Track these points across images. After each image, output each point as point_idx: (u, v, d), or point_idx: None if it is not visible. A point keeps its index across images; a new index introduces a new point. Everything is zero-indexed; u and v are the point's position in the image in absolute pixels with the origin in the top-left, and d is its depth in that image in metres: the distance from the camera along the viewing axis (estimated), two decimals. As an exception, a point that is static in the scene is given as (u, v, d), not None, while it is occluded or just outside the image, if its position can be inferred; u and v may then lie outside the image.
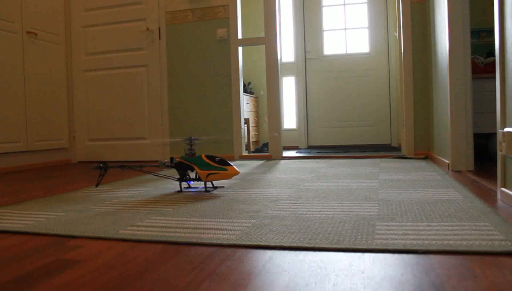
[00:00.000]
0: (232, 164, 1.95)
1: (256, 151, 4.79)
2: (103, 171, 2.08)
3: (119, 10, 4.04)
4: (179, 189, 2.10)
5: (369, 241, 1.07)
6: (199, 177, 1.98)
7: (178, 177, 2.25)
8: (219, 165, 1.94)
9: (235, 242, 1.11)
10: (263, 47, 5.45)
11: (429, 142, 3.57)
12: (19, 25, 3.55)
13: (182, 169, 2.04)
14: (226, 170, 1.94)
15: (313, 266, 0.92)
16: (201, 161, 1.97)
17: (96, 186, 2.12)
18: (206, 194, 1.94)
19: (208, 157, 1.97)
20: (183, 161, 2.00)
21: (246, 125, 4.83)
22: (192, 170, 1.99)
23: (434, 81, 3.19)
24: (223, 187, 2.15)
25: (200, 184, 2.23)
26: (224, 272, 0.90)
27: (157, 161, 3.84)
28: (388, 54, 5.21)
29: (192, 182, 2.13)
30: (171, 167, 2.05)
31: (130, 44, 4.01)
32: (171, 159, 2.04)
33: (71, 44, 4.16)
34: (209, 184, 2.27)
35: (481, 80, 3.05)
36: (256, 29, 5.62)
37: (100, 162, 2.10)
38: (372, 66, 5.26)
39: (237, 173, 1.96)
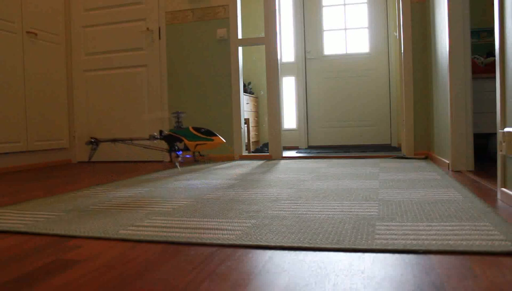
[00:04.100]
0: (218, 135, 2.09)
1: (256, 151, 4.79)
2: (95, 145, 2.17)
3: (119, 10, 4.04)
4: (169, 160, 2.23)
5: (369, 241, 1.07)
6: (187, 147, 2.07)
7: (168, 148, 2.37)
8: (206, 135, 2.06)
9: (235, 242, 1.11)
10: (263, 47, 5.45)
11: (429, 142, 3.57)
12: (19, 25, 3.55)
13: (171, 141, 2.12)
14: (212, 140, 2.08)
15: (313, 266, 0.92)
16: (189, 133, 2.07)
17: (89, 160, 2.23)
18: (206, 194, 1.94)
19: (195, 128, 2.08)
20: (172, 133, 2.10)
21: (246, 125, 4.83)
22: (181, 141, 2.10)
23: (434, 81, 3.19)
24: (209, 155, 2.28)
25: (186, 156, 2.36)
26: (224, 272, 0.90)
27: (154, 160, 3.83)
28: (388, 54, 5.21)
29: (181, 152, 2.23)
30: (161, 139, 2.15)
31: (130, 44, 4.01)
32: (160, 131, 2.14)
33: (71, 44, 4.16)
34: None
35: (481, 80, 3.05)
36: (256, 29, 5.62)
37: (92, 137, 2.19)
38: (372, 66, 5.26)
39: (223, 142, 2.10)
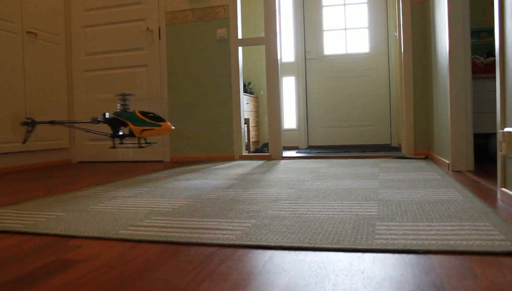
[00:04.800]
0: (166, 121, 1.94)
1: (256, 151, 4.79)
2: (31, 126, 2.05)
3: (119, 10, 4.04)
4: (112, 146, 2.05)
5: (369, 241, 1.07)
6: (133, 133, 1.93)
7: (111, 133, 2.20)
8: (153, 121, 1.91)
9: (235, 242, 1.11)
10: (263, 47, 5.45)
11: (429, 142, 3.57)
12: (19, 25, 3.55)
13: (116, 125, 1.97)
14: (160, 125, 1.90)
15: (313, 266, 0.92)
16: (135, 117, 1.91)
17: (23, 142, 2.08)
18: (206, 194, 1.94)
19: (142, 113, 1.91)
20: (117, 116, 1.94)
21: (246, 125, 4.83)
22: (126, 126, 1.94)
23: (434, 81, 3.19)
24: (155, 143, 2.11)
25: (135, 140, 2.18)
26: (224, 272, 0.90)
27: (154, 160, 3.82)
28: (388, 54, 5.21)
29: (125, 138, 2.09)
30: (104, 122, 2.01)
31: (130, 44, 4.01)
32: (104, 114, 2.00)
33: (71, 44, 4.16)
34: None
35: (481, 80, 3.05)
36: (256, 29, 5.62)
37: (28, 118, 2.07)
38: (372, 66, 5.26)
39: (170, 128, 1.90)
